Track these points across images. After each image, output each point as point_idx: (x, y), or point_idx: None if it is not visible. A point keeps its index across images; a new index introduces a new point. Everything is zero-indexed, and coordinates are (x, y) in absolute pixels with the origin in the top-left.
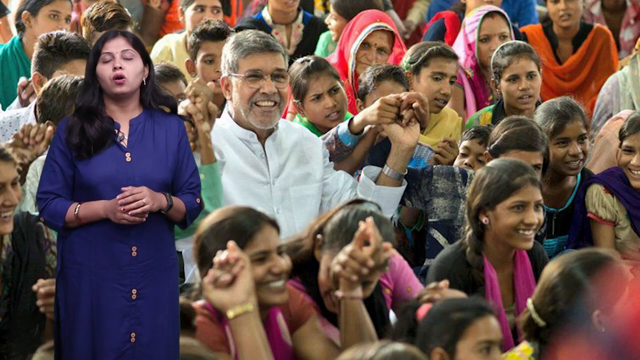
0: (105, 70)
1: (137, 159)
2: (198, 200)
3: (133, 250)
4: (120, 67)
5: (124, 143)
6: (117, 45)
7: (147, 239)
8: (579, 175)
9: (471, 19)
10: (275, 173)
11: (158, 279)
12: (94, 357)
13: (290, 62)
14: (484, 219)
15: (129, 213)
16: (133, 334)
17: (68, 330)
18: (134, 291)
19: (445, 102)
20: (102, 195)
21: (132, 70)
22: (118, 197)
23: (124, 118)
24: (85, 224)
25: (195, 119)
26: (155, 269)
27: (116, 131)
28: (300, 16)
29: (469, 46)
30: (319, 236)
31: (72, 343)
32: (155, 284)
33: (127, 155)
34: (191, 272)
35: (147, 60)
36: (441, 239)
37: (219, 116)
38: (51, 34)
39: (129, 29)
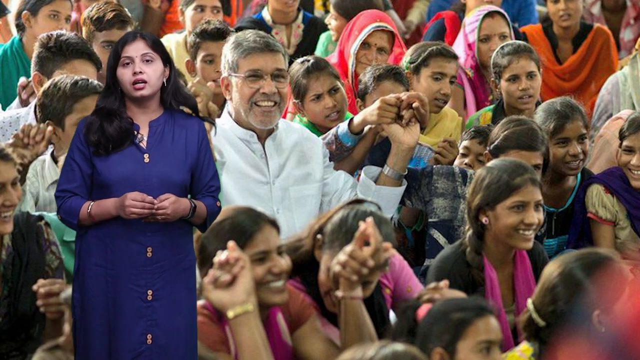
0: (125, 75)
1: (155, 160)
2: (218, 204)
3: (148, 251)
4: (141, 72)
5: (143, 144)
6: (136, 49)
7: (162, 240)
8: (579, 175)
9: (471, 19)
10: (275, 173)
11: (174, 280)
12: (110, 357)
13: (290, 62)
14: (484, 219)
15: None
16: (149, 336)
17: (83, 330)
18: (150, 292)
19: (445, 102)
20: (117, 195)
21: (153, 74)
22: (130, 196)
23: (144, 119)
24: (100, 224)
25: None
26: (170, 270)
27: (135, 132)
28: (300, 16)
29: (469, 46)
30: (319, 236)
31: (88, 343)
32: (171, 285)
33: (146, 156)
34: None
35: (167, 61)
36: (441, 239)
37: (219, 116)
38: (51, 34)
39: (129, 29)
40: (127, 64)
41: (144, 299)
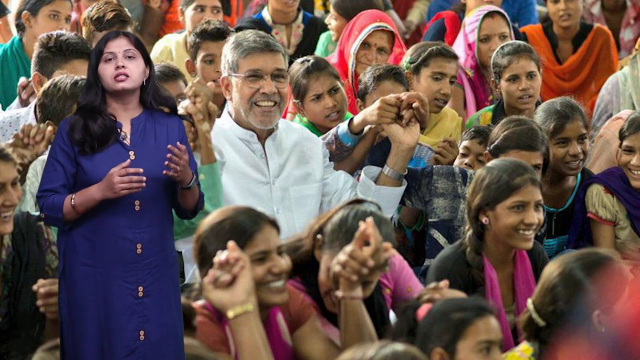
0: (107, 70)
1: (140, 158)
2: (203, 194)
3: (138, 248)
4: (123, 66)
5: (127, 142)
6: (119, 45)
7: (151, 236)
8: (579, 175)
9: (471, 19)
10: (275, 173)
11: (162, 276)
12: (103, 355)
13: (290, 62)
14: (484, 219)
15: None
16: (142, 332)
17: (72, 330)
18: (140, 289)
19: (445, 102)
20: None
21: (135, 69)
22: (116, 172)
23: (126, 117)
24: (86, 222)
25: (195, 119)
26: (159, 266)
27: (119, 130)
28: (300, 16)
29: (469, 46)
30: (319, 236)
31: (78, 342)
32: (160, 281)
33: (131, 153)
34: (191, 272)
35: (147, 61)
36: (441, 239)
37: (219, 116)
38: (51, 34)
39: (129, 29)
40: (110, 59)
41: (135, 296)
